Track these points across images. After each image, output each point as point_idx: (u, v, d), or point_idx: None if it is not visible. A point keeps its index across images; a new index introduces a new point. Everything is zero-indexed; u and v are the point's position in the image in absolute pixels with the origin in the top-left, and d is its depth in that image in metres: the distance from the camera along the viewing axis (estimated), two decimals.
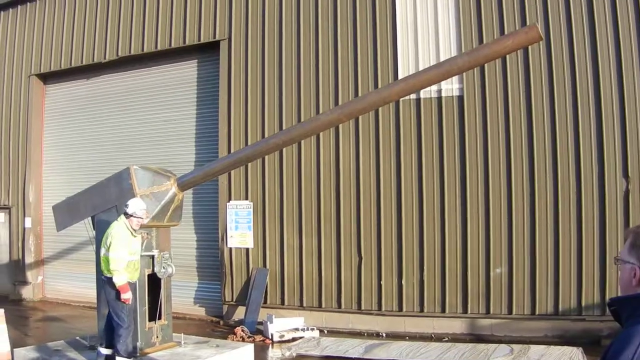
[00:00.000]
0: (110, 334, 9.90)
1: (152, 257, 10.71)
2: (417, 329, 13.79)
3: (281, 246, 15.23)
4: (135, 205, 9.79)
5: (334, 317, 14.56)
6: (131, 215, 9.75)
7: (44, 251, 19.80)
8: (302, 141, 13.91)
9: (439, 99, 13.90)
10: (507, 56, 13.33)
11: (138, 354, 10.23)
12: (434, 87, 13.88)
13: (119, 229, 9.79)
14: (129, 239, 9.76)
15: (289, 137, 10.28)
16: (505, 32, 13.38)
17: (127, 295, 9.55)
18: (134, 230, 9.84)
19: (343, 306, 14.48)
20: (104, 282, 9.77)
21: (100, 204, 10.58)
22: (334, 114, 9.84)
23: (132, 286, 9.82)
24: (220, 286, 16.06)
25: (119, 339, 9.65)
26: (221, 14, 16.31)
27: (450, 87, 13.76)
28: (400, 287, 14.00)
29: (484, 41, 13.57)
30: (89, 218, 11.30)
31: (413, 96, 14.02)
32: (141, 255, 10.37)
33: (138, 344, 10.29)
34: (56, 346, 11.13)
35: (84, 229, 10.87)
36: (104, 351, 9.94)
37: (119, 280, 9.52)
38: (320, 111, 14.78)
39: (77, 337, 11.66)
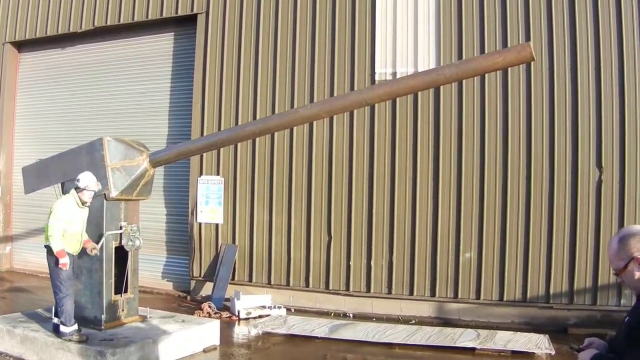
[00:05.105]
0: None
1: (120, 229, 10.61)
2: (385, 310, 13.83)
3: (251, 223, 15.17)
4: (86, 180, 9.75)
5: (301, 296, 14.56)
6: (83, 189, 9.70)
7: (13, 221, 19.60)
8: None
9: None
10: (487, 41, 13.39)
11: (103, 327, 10.13)
12: (411, 69, 13.89)
13: (62, 200, 9.86)
14: (72, 209, 9.73)
15: (265, 126, 10.21)
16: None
17: (64, 260, 9.48)
18: (83, 202, 9.80)
19: (311, 285, 14.48)
20: (47, 251, 9.74)
21: (71, 171, 10.41)
22: (313, 109, 9.76)
23: (70, 257, 9.72)
24: (188, 261, 16.01)
25: (59, 307, 9.62)
26: None
27: (426, 68, 13.71)
28: (369, 268, 14.01)
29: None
30: (59, 185, 11.17)
31: (390, 76, 14.03)
32: (112, 233, 10.32)
33: (103, 316, 10.19)
34: (21, 317, 11.01)
35: (54, 199, 10.73)
36: (54, 320, 9.92)
37: (55, 246, 9.50)
38: (295, 90, 14.87)
39: (38, 310, 11.52)
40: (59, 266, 9.52)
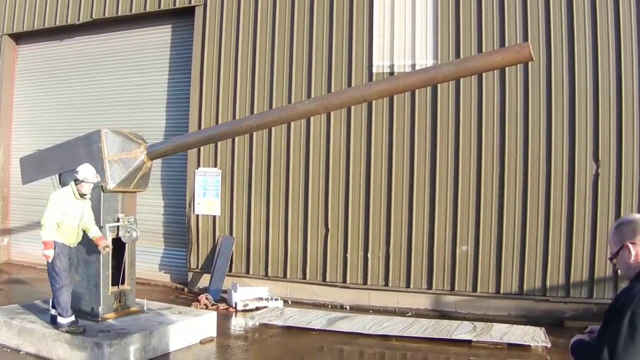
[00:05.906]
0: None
1: (117, 221, 10.63)
2: (381, 303, 13.86)
3: (248, 215, 15.17)
4: (85, 171, 9.74)
5: (298, 288, 14.58)
6: (82, 181, 9.69)
7: (10, 213, 19.61)
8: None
9: None
10: (484, 35, 13.38)
11: (99, 319, 10.14)
12: (409, 62, 13.88)
13: (59, 191, 9.91)
14: (68, 201, 9.73)
15: (263, 121, 10.23)
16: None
17: (48, 252, 9.51)
18: (82, 194, 9.80)
19: (308, 277, 14.49)
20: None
21: (68, 162, 10.43)
22: (311, 105, 9.73)
23: (66, 249, 9.78)
24: (185, 253, 16.02)
25: (55, 298, 9.66)
26: None
27: (424, 62, 13.73)
28: (365, 260, 14.03)
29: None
30: (56, 176, 11.17)
31: (387, 69, 14.03)
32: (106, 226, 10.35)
33: (100, 308, 10.19)
34: (18, 308, 11.03)
35: (52, 190, 10.72)
36: (52, 311, 9.95)
37: (43, 235, 9.55)
38: (293, 81, 14.83)
39: (36, 302, 11.52)
40: (43, 256, 9.59)
